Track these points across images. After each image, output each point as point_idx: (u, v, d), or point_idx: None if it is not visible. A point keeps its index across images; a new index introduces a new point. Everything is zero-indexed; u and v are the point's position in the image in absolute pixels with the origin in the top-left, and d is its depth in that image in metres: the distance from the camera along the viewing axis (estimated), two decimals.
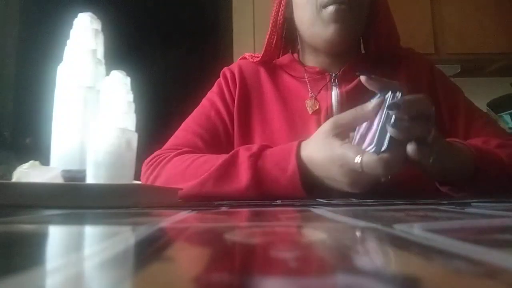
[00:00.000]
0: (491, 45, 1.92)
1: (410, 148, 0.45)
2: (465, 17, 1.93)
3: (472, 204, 0.38)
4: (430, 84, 0.74)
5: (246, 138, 0.72)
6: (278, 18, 0.73)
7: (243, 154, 0.57)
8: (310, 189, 0.54)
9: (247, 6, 1.94)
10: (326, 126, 0.52)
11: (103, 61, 0.52)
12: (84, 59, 0.50)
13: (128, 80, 0.47)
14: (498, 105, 1.93)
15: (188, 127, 0.74)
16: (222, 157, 0.58)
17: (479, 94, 1.99)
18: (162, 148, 0.72)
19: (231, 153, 0.58)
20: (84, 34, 0.51)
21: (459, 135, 0.68)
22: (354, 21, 0.67)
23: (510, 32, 1.92)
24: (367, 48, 0.76)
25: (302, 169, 0.53)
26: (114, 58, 0.56)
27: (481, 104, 1.99)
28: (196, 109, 0.77)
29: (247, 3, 1.95)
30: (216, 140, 0.72)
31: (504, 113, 1.90)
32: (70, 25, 0.52)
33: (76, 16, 0.52)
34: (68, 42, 0.51)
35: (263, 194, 0.55)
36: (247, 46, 1.78)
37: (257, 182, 0.54)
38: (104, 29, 0.54)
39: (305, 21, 0.69)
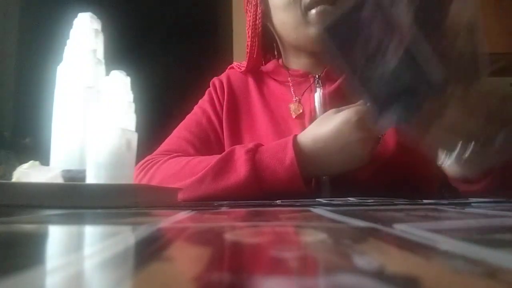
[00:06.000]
0: (491, 45, 1.91)
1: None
2: None
3: (472, 204, 0.38)
4: None
5: (236, 145, 0.72)
6: (257, 27, 0.73)
7: (239, 150, 0.58)
8: (309, 181, 0.54)
9: None
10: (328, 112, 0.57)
11: (103, 61, 0.52)
12: (84, 59, 0.50)
13: (128, 80, 0.47)
14: None
15: (180, 134, 0.75)
16: (218, 156, 0.59)
17: None
18: (153, 153, 0.72)
19: (226, 150, 0.59)
20: (84, 34, 0.51)
21: None
22: None
23: (510, 32, 1.92)
24: None
25: (300, 157, 0.54)
26: (114, 58, 0.56)
27: None
28: (187, 117, 0.79)
29: None
30: (207, 147, 0.73)
31: None
32: (70, 25, 0.52)
33: (76, 16, 0.52)
34: (68, 42, 0.51)
35: (262, 189, 0.55)
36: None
37: (255, 175, 0.55)
38: (104, 29, 0.54)
39: (289, 24, 0.68)
